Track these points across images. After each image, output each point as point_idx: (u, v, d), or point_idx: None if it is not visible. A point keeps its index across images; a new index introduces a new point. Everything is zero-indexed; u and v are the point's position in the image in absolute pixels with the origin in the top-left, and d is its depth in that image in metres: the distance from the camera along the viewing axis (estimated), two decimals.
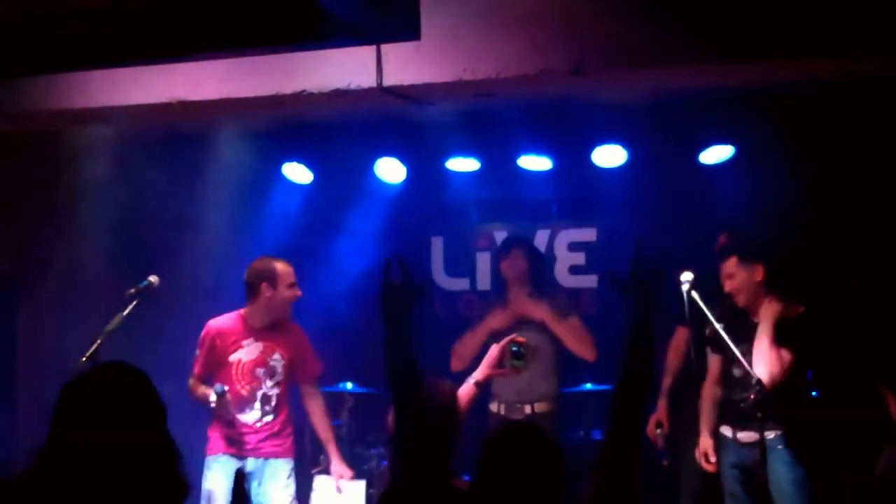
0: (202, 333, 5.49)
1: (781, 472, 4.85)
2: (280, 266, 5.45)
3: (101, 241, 6.46)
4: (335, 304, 6.75)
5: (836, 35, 4.22)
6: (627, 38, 4.45)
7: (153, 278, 5.39)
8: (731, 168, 6.14)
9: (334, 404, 6.41)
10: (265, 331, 5.47)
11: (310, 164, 6.83)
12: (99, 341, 4.98)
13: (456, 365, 5.82)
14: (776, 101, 5.60)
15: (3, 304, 6.65)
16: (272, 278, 5.41)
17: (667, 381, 5.83)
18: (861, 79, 5.03)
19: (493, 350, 4.11)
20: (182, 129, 6.24)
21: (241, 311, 5.52)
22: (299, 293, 5.49)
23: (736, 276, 5.10)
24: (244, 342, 5.45)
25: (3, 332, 6.60)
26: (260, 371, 5.46)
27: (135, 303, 5.20)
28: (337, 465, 5.58)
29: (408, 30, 3.74)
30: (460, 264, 7.24)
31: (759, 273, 5.06)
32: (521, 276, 6.05)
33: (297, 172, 6.85)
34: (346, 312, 6.69)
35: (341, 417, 6.34)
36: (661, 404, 5.79)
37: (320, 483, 5.65)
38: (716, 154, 6.14)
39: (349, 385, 6.39)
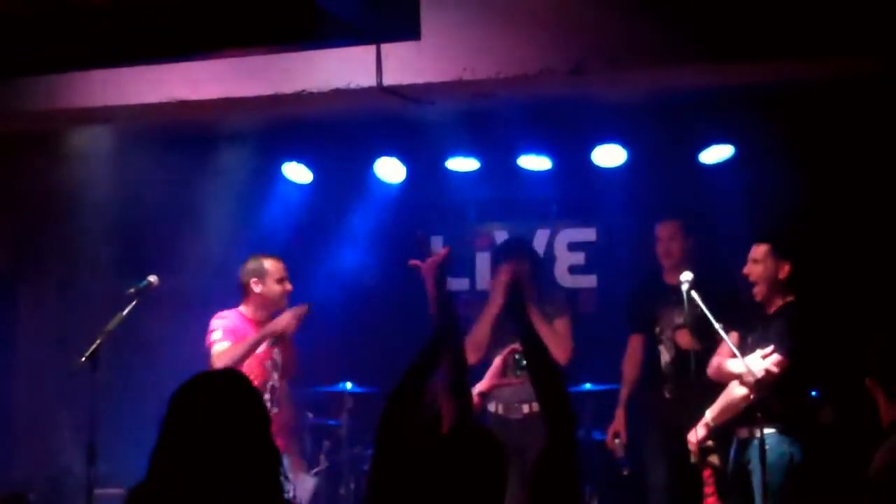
0: (214, 320, 5.38)
1: (775, 467, 4.84)
2: (268, 262, 5.49)
3: (101, 241, 6.46)
4: (334, 303, 6.75)
5: (835, 35, 4.22)
6: (627, 37, 4.45)
7: (152, 278, 5.39)
8: (730, 168, 6.15)
9: (334, 404, 6.42)
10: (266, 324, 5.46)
11: (309, 164, 6.83)
12: (98, 341, 4.98)
13: (472, 358, 5.81)
14: (776, 101, 5.60)
15: (2, 303, 6.65)
16: (261, 274, 5.45)
17: (624, 391, 5.84)
18: (860, 79, 5.03)
19: (497, 361, 4.11)
20: (182, 129, 6.24)
21: (238, 308, 5.52)
22: (289, 287, 5.50)
23: (761, 264, 5.07)
24: (249, 337, 5.43)
25: (2, 332, 6.59)
26: (268, 363, 5.47)
27: (134, 303, 5.20)
28: (296, 462, 5.70)
29: (408, 29, 3.74)
30: (460, 264, 7.23)
31: (784, 270, 5.05)
32: (524, 281, 6.02)
33: (296, 172, 6.85)
34: (346, 312, 6.69)
35: (341, 418, 6.34)
36: (619, 413, 5.80)
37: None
38: (715, 154, 6.14)
39: (348, 385, 6.38)
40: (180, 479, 2.38)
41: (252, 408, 2.52)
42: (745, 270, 5.11)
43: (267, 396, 5.44)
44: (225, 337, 5.32)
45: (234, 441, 2.42)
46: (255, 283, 5.44)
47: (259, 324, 5.43)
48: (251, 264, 5.51)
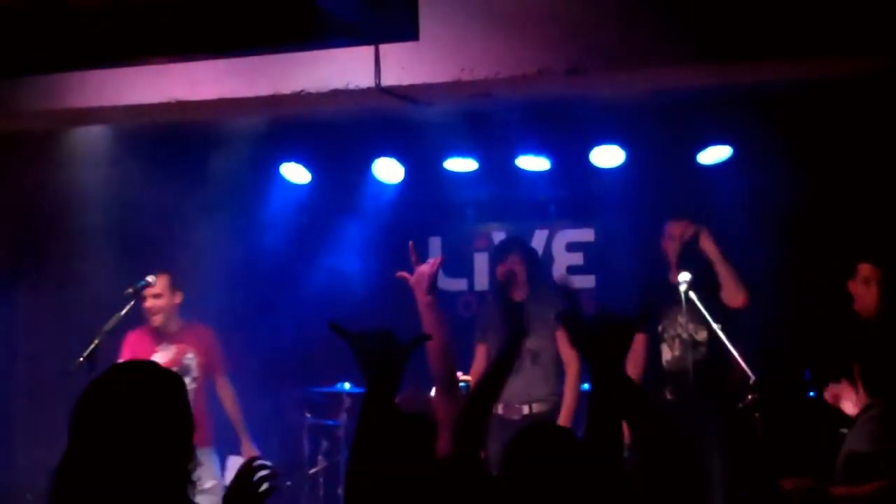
0: (122, 342, 5.76)
1: None
2: (149, 279, 5.73)
3: (100, 241, 6.46)
4: (333, 303, 6.75)
5: (835, 35, 4.22)
6: (625, 38, 4.45)
7: (151, 278, 5.41)
8: (728, 168, 6.15)
9: (332, 405, 6.43)
10: (175, 335, 5.83)
11: (308, 165, 6.84)
12: (97, 341, 4.99)
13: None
14: (774, 101, 5.60)
15: (1, 303, 6.65)
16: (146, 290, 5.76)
17: None
18: (859, 79, 5.03)
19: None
20: (180, 129, 6.24)
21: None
22: (156, 304, 5.75)
23: (872, 281, 5.00)
24: (159, 346, 5.79)
25: (2, 332, 6.59)
26: (175, 369, 5.60)
27: (132, 303, 5.21)
28: (247, 446, 5.95)
29: (406, 30, 3.74)
30: (458, 265, 7.24)
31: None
32: (519, 282, 6.02)
33: (295, 172, 6.85)
34: (345, 312, 6.67)
35: (339, 418, 6.35)
36: None
37: (233, 462, 5.94)
38: (714, 154, 6.15)
39: (347, 385, 6.40)
40: (87, 472, 2.41)
41: (165, 401, 2.50)
42: (855, 290, 5.02)
43: None
44: None
45: (142, 433, 2.41)
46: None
47: (164, 336, 5.81)
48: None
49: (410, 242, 3.64)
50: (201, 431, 5.72)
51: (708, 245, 5.51)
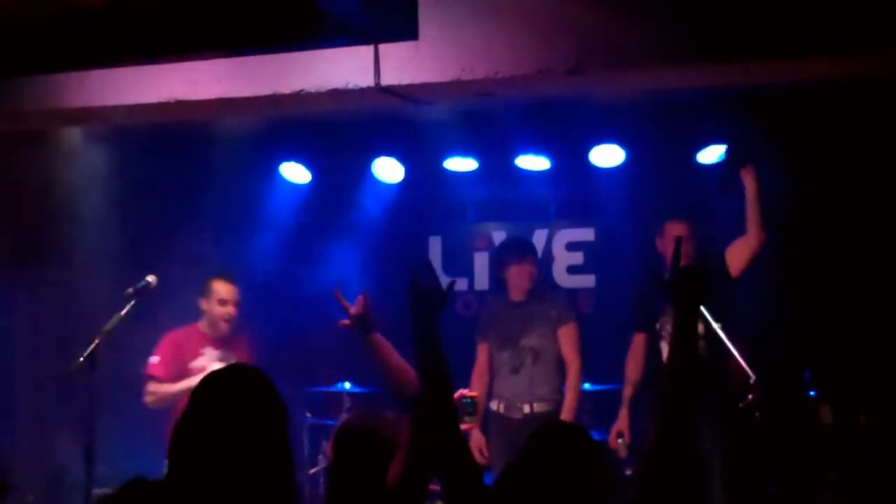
0: (162, 342, 5.76)
1: None
2: (216, 283, 5.79)
3: (99, 241, 6.46)
4: (333, 303, 6.73)
5: (834, 35, 4.22)
6: (625, 37, 4.45)
7: (151, 278, 5.40)
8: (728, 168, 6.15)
9: (332, 404, 6.42)
10: (220, 341, 5.79)
11: (308, 164, 6.83)
12: (97, 341, 4.98)
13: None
14: (773, 101, 5.60)
15: (0, 303, 6.64)
16: (206, 293, 5.79)
17: (627, 391, 5.81)
18: (857, 80, 5.03)
19: None
20: (180, 129, 6.24)
21: (197, 323, 5.84)
22: (231, 311, 5.75)
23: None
24: (202, 350, 5.74)
25: (1, 332, 6.59)
26: None
27: (133, 303, 5.21)
28: None
29: (406, 29, 3.75)
30: (458, 264, 7.23)
31: None
32: (529, 285, 6.03)
33: (295, 172, 6.85)
34: (344, 312, 6.67)
35: (339, 418, 6.34)
36: (623, 414, 5.77)
37: None
38: (713, 154, 6.14)
39: (347, 385, 6.39)
40: (193, 477, 2.34)
41: (266, 406, 2.48)
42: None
43: None
44: (158, 370, 5.69)
45: (248, 440, 2.38)
46: (203, 301, 5.79)
47: (213, 340, 5.75)
48: (206, 283, 5.83)
49: (335, 291, 3.75)
50: None
51: (749, 179, 5.52)
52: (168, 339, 5.77)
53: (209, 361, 5.62)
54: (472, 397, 4.04)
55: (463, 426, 3.96)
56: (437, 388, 3.01)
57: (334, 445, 3.31)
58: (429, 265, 3.13)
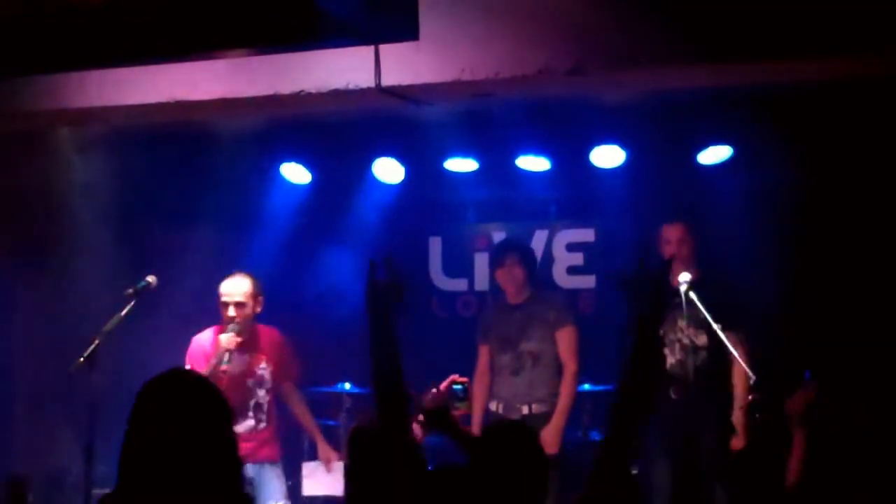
0: (189, 349, 5.68)
1: None
2: (221, 285, 5.65)
3: (100, 241, 6.46)
4: (333, 304, 6.75)
5: (834, 35, 4.22)
6: (626, 38, 4.45)
7: (151, 278, 5.41)
8: (729, 168, 6.15)
9: (332, 405, 6.42)
10: (246, 342, 5.60)
11: (308, 165, 6.83)
12: (97, 342, 4.98)
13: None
14: (775, 101, 5.60)
15: (0, 303, 6.65)
16: (219, 294, 5.65)
17: None
18: (860, 80, 5.03)
19: (439, 389, 3.96)
20: (180, 129, 6.24)
21: (219, 325, 5.70)
22: (230, 312, 5.57)
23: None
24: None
25: (1, 332, 6.59)
26: (250, 382, 5.68)
27: (133, 303, 5.21)
28: (324, 450, 5.96)
29: (406, 30, 3.74)
30: (458, 265, 7.24)
31: None
32: (518, 285, 6.01)
33: (295, 173, 6.85)
34: (344, 313, 6.68)
35: (339, 418, 6.34)
36: None
37: (309, 469, 6.02)
38: (714, 155, 6.14)
39: (346, 385, 6.39)
40: (145, 483, 2.44)
41: (204, 405, 2.53)
42: None
43: (251, 414, 5.65)
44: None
45: (189, 440, 2.44)
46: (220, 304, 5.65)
47: (238, 344, 5.58)
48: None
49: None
50: (272, 446, 5.77)
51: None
52: (193, 344, 5.69)
53: (237, 367, 5.53)
54: (462, 383, 4.02)
55: (455, 412, 4.00)
56: (388, 383, 3.04)
57: (349, 450, 3.34)
58: (389, 260, 3.13)
